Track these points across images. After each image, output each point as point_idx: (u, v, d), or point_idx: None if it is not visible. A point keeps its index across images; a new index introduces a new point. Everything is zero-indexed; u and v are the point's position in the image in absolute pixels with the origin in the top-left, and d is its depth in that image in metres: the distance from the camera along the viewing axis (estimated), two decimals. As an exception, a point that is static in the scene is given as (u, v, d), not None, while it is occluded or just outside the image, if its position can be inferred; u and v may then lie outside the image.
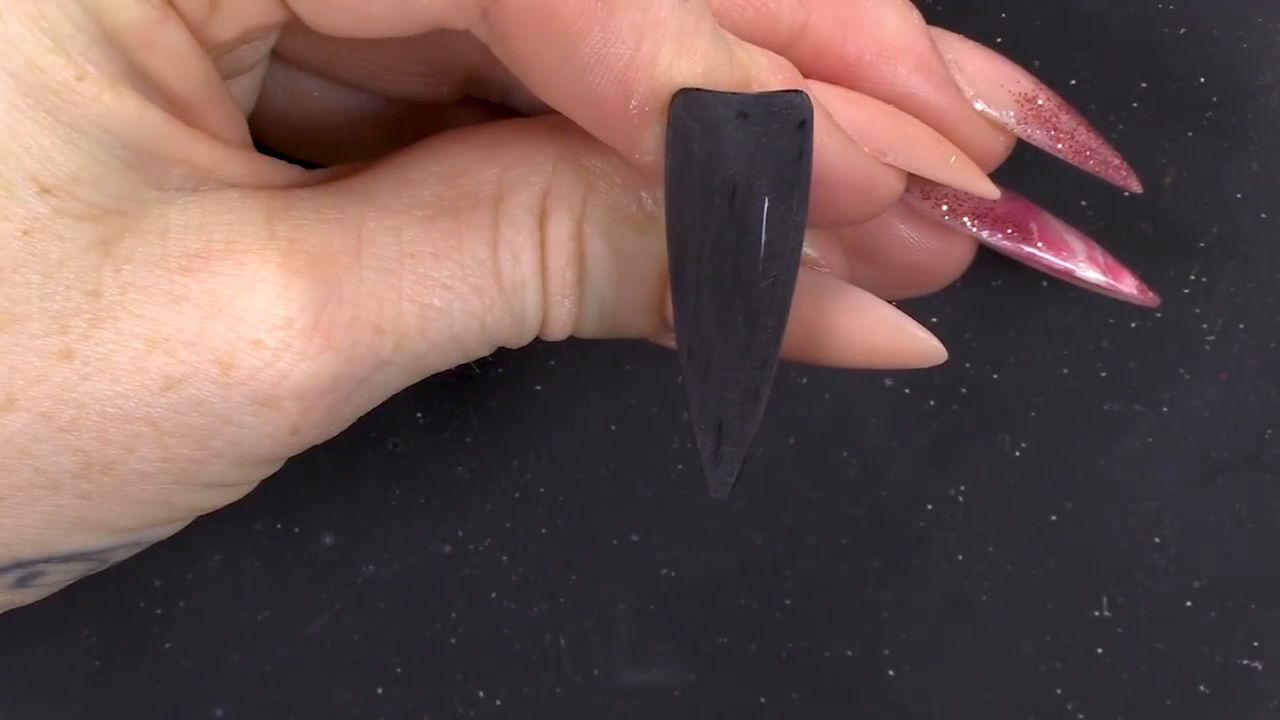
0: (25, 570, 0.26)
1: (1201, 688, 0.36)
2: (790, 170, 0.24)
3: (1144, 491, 0.36)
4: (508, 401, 0.37)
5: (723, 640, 0.36)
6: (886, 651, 0.36)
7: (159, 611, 0.36)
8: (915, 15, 0.29)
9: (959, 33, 0.30)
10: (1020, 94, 0.30)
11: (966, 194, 0.30)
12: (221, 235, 0.25)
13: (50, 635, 0.35)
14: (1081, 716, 0.36)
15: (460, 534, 0.36)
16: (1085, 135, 0.31)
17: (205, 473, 0.26)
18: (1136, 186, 0.31)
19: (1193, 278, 0.36)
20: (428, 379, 0.27)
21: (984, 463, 0.36)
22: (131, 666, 0.35)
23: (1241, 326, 0.36)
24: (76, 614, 0.35)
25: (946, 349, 0.28)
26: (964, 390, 0.36)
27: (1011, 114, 0.30)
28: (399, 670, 0.36)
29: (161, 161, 0.25)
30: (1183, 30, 0.36)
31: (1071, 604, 0.36)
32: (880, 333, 0.28)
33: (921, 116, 0.29)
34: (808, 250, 0.29)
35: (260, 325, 0.25)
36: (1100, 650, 0.36)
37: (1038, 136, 0.30)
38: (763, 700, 0.36)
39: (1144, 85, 0.36)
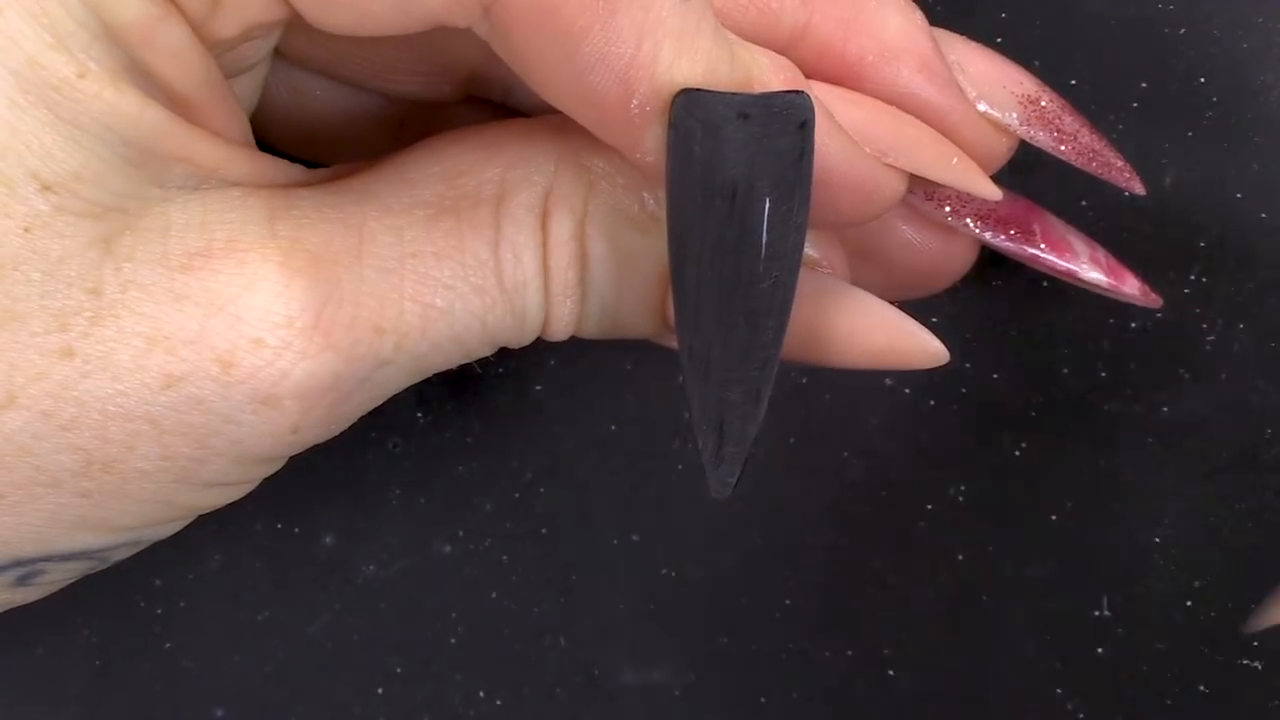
0: (25, 569, 0.26)
1: (1201, 688, 0.36)
2: (791, 171, 0.24)
3: (1144, 491, 0.36)
4: (508, 401, 0.37)
5: (723, 640, 0.36)
6: (886, 651, 0.36)
7: (159, 611, 0.36)
8: (918, 16, 0.29)
9: (960, 33, 0.30)
10: (1023, 95, 0.30)
11: (969, 195, 0.30)
12: (223, 234, 0.25)
13: (50, 635, 0.35)
14: (1081, 716, 0.36)
15: (460, 534, 0.36)
16: (1088, 137, 0.31)
17: (205, 471, 0.26)
18: (1139, 188, 0.31)
19: (1193, 278, 0.36)
20: (428, 379, 0.27)
21: (984, 463, 0.36)
22: (131, 666, 0.35)
23: (1241, 326, 0.36)
24: (76, 614, 0.35)
25: (947, 349, 0.28)
26: (964, 390, 0.36)
27: (1014, 115, 0.30)
28: (399, 670, 0.36)
29: (163, 159, 0.25)
30: (1183, 30, 0.36)
31: (1071, 604, 0.36)
32: (882, 333, 0.28)
33: (924, 117, 0.29)
34: (809, 251, 0.29)
35: (261, 324, 0.25)
36: (1100, 650, 0.36)
37: (1041, 138, 0.30)
38: (763, 700, 0.36)
39: (1144, 85, 0.36)
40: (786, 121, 0.24)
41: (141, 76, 0.24)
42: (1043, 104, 0.30)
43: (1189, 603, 0.36)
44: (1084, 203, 0.36)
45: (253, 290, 0.25)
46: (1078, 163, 0.31)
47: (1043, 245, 0.31)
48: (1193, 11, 0.36)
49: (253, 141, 0.27)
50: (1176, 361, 0.36)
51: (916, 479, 0.37)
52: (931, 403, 0.37)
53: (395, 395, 0.27)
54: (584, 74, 0.24)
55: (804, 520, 0.37)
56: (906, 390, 0.37)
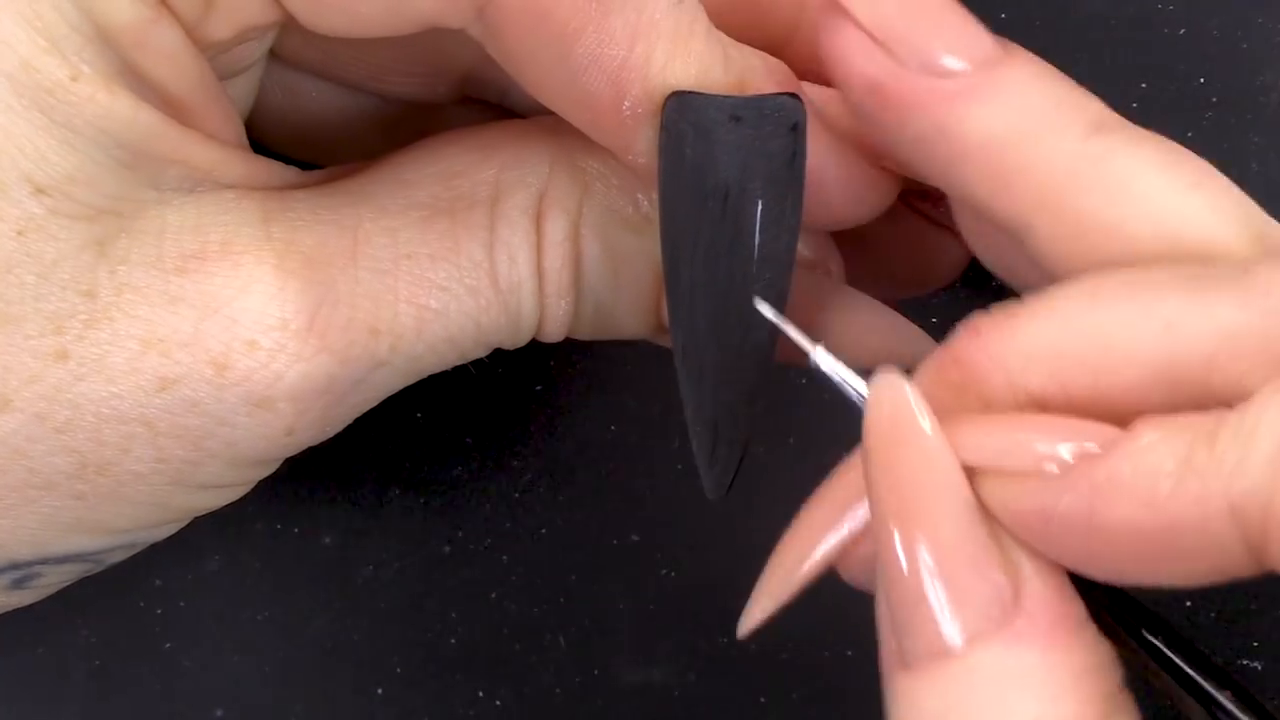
0: (21, 572, 0.26)
1: (1202, 688, 0.36)
2: (783, 173, 0.24)
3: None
4: (508, 401, 0.37)
5: (723, 640, 0.36)
6: (886, 652, 0.36)
7: (159, 611, 0.36)
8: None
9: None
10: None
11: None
12: (217, 236, 0.25)
13: (50, 635, 0.35)
14: (1081, 717, 0.36)
15: (460, 534, 0.36)
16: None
17: (200, 474, 0.26)
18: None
19: (1194, 278, 0.36)
20: (427, 379, 0.27)
21: (984, 463, 0.36)
22: (131, 666, 0.35)
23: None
24: (76, 614, 0.35)
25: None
26: (963, 390, 0.36)
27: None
28: (399, 670, 0.36)
29: (157, 162, 0.25)
30: (1183, 30, 0.36)
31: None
32: (876, 335, 0.28)
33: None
34: (802, 251, 0.29)
35: (255, 326, 0.25)
36: (1100, 651, 0.36)
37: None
38: (763, 700, 0.36)
39: (1144, 85, 0.36)
40: (778, 124, 0.24)
41: (135, 79, 0.24)
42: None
43: (1188, 603, 0.36)
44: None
45: (247, 292, 0.25)
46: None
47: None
48: (1193, 11, 0.36)
49: (247, 143, 0.27)
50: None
51: (916, 479, 0.36)
52: (931, 403, 0.36)
53: (394, 395, 0.27)
54: (577, 75, 0.24)
55: (804, 520, 0.37)
56: (906, 390, 0.36)
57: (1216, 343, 0.21)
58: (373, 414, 0.28)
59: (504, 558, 0.36)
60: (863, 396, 0.23)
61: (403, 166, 0.27)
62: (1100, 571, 0.21)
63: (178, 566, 0.36)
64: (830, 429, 0.36)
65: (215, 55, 0.25)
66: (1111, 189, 0.23)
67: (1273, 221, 0.24)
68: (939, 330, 0.28)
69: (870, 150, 0.27)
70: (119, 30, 0.23)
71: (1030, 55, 0.24)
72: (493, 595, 0.36)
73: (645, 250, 0.27)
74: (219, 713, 0.36)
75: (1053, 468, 0.22)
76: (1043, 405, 0.23)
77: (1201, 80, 0.36)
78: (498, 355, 0.28)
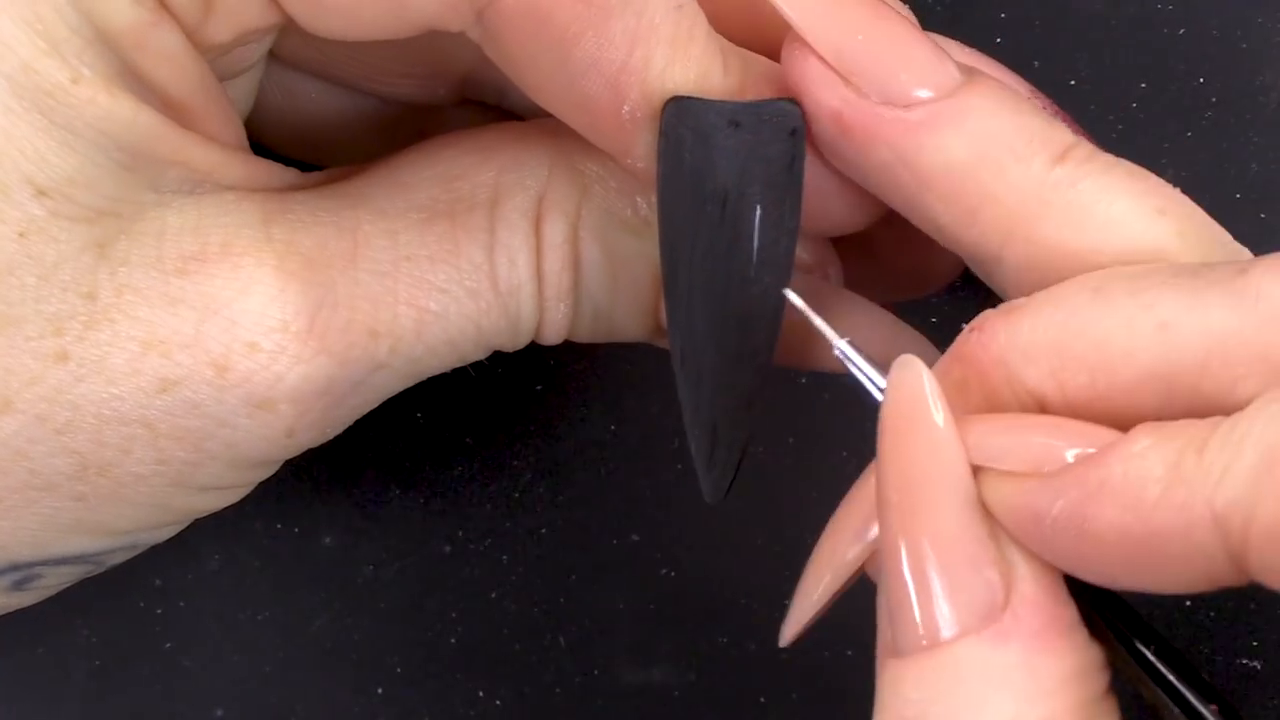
0: (22, 573, 0.26)
1: (1201, 688, 0.36)
2: (782, 177, 0.24)
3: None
4: (507, 401, 0.37)
5: (723, 640, 0.36)
6: (886, 652, 0.36)
7: (159, 611, 0.36)
8: (907, 15, 0.29)
9: (959, 33, 0.30)
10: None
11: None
12: (217, 238, 0.25)
13: (50, 635, 0.35)
14: (1081, 717, 0.36)
15: (460, 534, 0.36)
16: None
17: (201, 475, 0.26)
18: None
19: (1193, 278, 0.36)
20: (427, 379, 0.27)
21: (983, 463, 0.36)
22: (131, 666, 0.35)
23: (1242, 327, 0.36)
24: (76, 614, 0.35)
25: (941, 352, 0.28)
26: (963, 391, 0.36)
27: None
28: (399, 670, 0.36)
29: (157, 164, 0.25)
30: (1182, 30, 0.36)
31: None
32: (874, 339, 0.28)
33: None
34: (801, 255, 0.29)
35: (256, 328, 0.25)
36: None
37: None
38: (763, 700, 0.36)
39: (1144, 85, 0.36)
40: (777, 129, 0.24)
41: (135, 81, 0.24)
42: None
43: (1188, 602, 0.36)
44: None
45: (247, 294, 0.25)
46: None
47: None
48: (1193, 11, 0.36)
49: (247, 145, 0.27)
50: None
51: (916, 479, 0.36)
52: (930, 403, 0.36)
53: (395, 395, 0.27)
54: (576, 79, 0.24)
55: (804, 520, 0.37)
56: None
57: (1209, 346, 0.21)
58: (373, 414, 0.28)
59: (504, 558, 0.36)
60: (883, 391, 0.23)
61: (402, 168, 0.27)
62: (1091, 575, 0.21)
63: (178, 566, 0.36)
64: (829, 431, 0.37)
65: (215, 57, 0.25)
66: (1078, 217, 0.23)
67: (1240, 246, 0.24)
68: (939, 331, 0.29)
69: None
70: (119, 32, 0.23)
71: (994, 81, 0.24)
72: (493, 595, 0.36)
73: (644, 253, 0.27)
74: (219, 713, 0.36)
75: (1051, 469, 0.22)
76: (1042, 405, 0.23)
77: (1201, 80, 0.36)
78: (497, 356, 0.28)
